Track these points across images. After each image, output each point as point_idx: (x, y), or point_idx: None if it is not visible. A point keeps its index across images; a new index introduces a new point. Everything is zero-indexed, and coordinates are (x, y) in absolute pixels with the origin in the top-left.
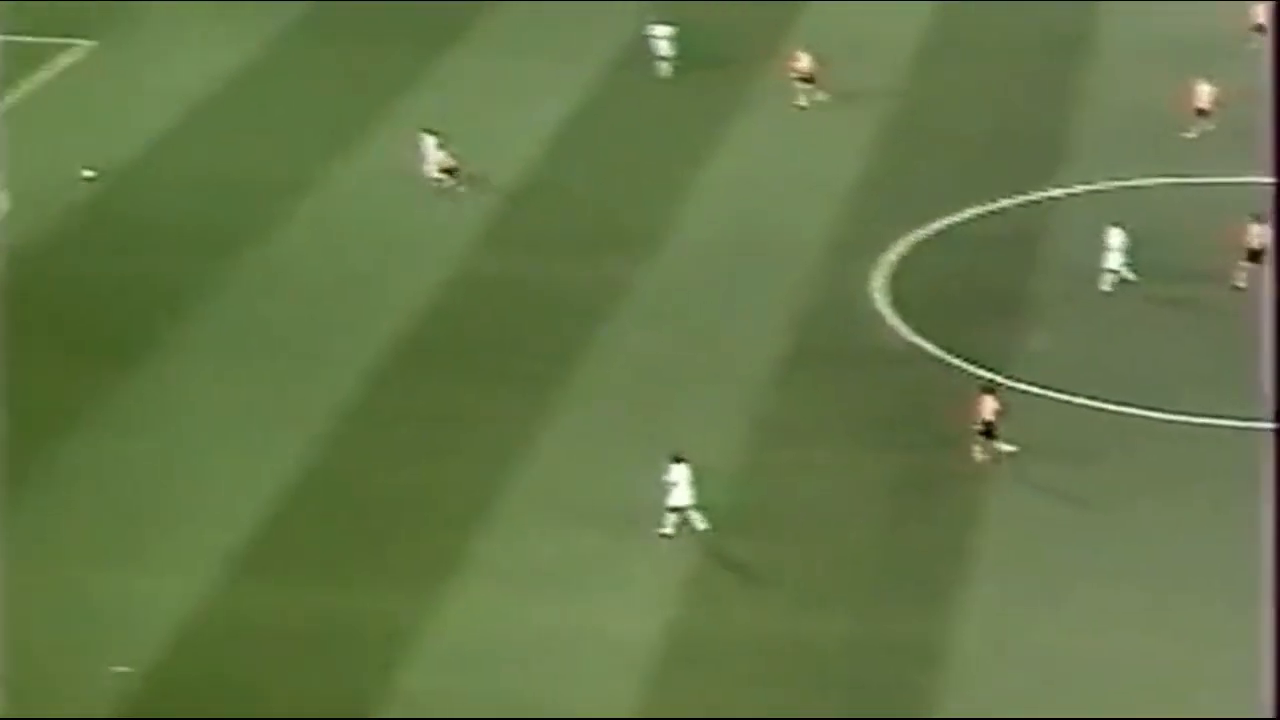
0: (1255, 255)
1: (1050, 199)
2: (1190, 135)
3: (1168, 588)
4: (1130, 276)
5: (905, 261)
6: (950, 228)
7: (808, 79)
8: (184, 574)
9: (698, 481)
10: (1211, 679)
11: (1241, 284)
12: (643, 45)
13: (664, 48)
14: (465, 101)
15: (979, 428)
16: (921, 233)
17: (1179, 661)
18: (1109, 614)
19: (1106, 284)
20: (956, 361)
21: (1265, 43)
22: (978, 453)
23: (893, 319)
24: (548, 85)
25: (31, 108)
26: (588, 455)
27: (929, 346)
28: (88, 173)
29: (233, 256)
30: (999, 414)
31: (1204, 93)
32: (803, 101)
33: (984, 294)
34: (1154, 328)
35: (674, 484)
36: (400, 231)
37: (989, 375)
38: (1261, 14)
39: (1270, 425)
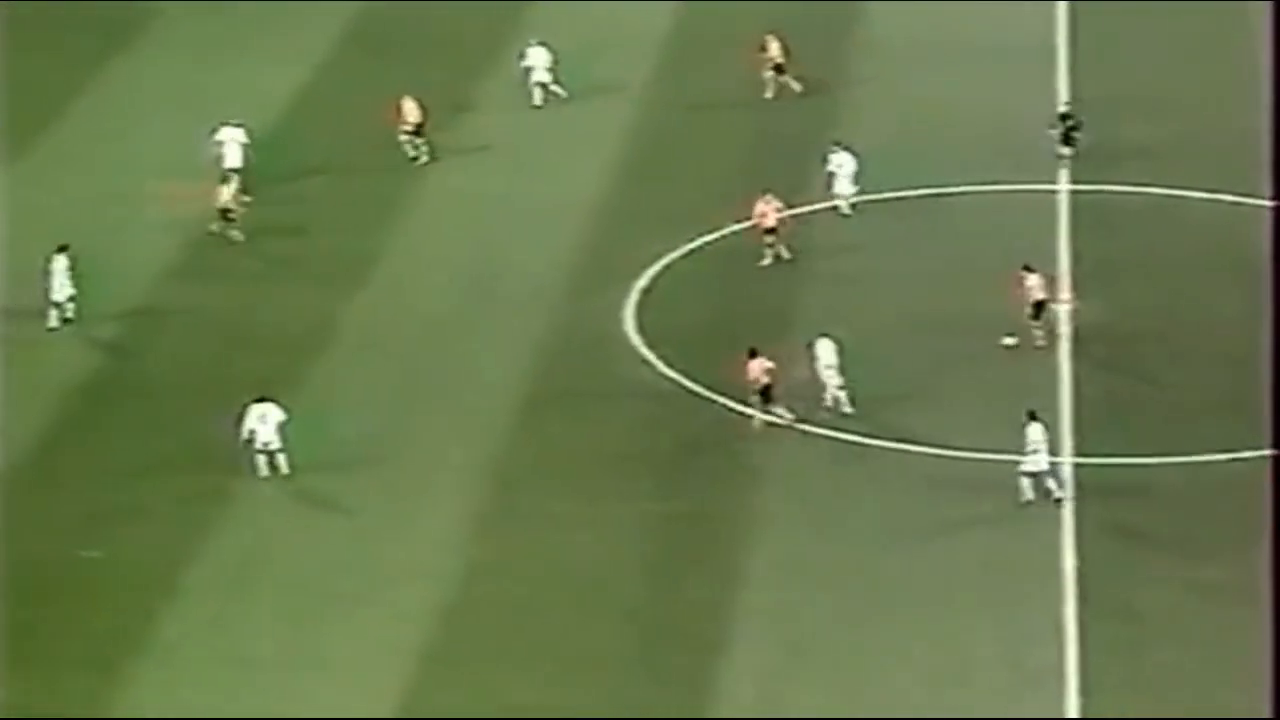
0: (1039, 308)
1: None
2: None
3: None
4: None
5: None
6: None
7: (416, 130)
8: None
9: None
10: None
11: (1041, 343)
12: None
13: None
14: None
15: (757, 391)
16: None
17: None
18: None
19: None
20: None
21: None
22: (757, 419)
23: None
24: None
25: None
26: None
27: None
28: None
29: None
30: (773, 375)
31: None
32: (414, 154)
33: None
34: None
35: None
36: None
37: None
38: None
39: None
